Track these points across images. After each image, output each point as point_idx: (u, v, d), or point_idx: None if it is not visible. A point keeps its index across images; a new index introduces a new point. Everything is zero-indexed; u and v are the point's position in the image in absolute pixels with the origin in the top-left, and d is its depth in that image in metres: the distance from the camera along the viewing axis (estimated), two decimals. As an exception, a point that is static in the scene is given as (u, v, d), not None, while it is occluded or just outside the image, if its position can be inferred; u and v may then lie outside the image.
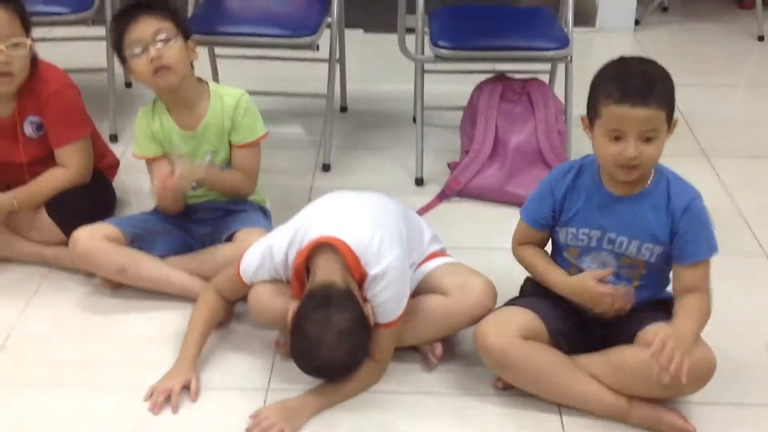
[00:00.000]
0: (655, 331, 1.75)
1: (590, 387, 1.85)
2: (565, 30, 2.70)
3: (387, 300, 1.88)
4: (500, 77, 2.70)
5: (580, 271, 1.91)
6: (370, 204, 2.03)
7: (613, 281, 1.87)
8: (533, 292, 1.99)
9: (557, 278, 1.92)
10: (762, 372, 1.99)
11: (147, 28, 2.09)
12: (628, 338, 1.85)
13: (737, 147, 2.97)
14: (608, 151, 1.77)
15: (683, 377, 1.67)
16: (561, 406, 1.89)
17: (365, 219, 1.94)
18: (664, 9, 4.18)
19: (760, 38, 3.89)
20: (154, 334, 2.10)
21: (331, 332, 1.79)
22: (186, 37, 2.16)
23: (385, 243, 1.89)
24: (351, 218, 1.95)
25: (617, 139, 1.75)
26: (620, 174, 1.79)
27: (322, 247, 1.86)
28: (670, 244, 1.83)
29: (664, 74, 1.78)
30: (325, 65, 2.86)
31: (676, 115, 1.79)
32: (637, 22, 4.02)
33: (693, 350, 1.71)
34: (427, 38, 2.72)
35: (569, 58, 2.61)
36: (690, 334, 1.73)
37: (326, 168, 2.82)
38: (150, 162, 2.25)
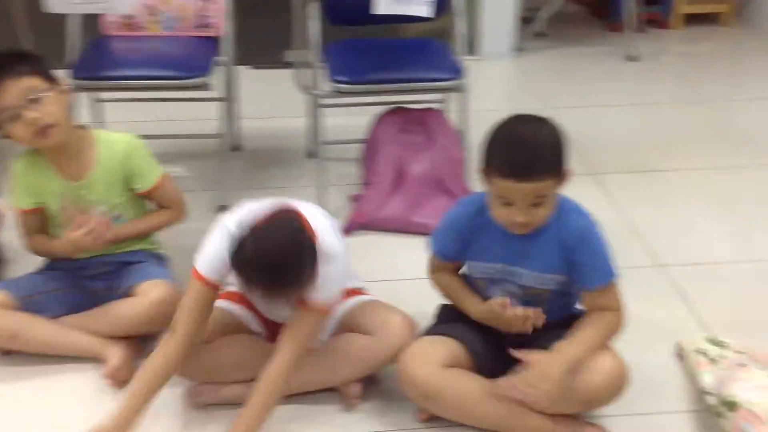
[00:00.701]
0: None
1: (516, 412, 1.88)
2: (457, 59, 2.77)
3: (330, 281, 1.82)
4: (398, 109, 2.75)
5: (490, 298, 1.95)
6: None
7: (520, 304, 1.91)
8: (449, 318, 2.02)
9: (471, 307, 1.96)
10: (670, 380, 2.08)
11: (13, 92, 1.97)
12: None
13: (622, 163, 3.12)
14: (501, 213, 1.81)
15: (542, 401, 1.77)
16: None
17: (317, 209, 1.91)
18: (542, 35, 4.35)
19: (631, 58, 4.11)
20: (57, 400, 2.01)
21: (283, 232, 1.69)
22: (56, 82, 2.05)
23: (338, 233, 1.89)
24: (304, 204, 1.89)
25: (508, 204, 1.79)
26: (513, 230, 1.84)
27: (281, 213, 1.76)
28: (571, 273, 1.89)
29: (555, 138, 1.79)
30: (211, 104, 2.84)
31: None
32: (518, 49, 4.18)
33: (564, 379, 1.77)
34: (320, 71, 2.75)
35: (465, 86, 2.68)
36: (564, 363, 1.78)
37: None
38: (25, 213, 2.16)
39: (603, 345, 1.86)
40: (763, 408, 1.78)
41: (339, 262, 1.83)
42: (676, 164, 3.15)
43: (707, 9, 4.55)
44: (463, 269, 2.02)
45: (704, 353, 2.04)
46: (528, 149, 1.75)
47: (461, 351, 1.93)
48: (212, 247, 1.84)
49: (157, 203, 2.23)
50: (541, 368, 1.79)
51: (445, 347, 1.92)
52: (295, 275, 1.71)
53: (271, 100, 3.56)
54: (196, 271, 1.86)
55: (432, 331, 2.00)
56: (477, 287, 1.98)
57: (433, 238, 2.01)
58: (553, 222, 1.85)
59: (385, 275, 2.44)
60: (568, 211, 1.87)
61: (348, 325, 2.01)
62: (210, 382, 2.00)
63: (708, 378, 1.96)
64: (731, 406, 1.81)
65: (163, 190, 2.21)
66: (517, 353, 1.83)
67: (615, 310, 1.89)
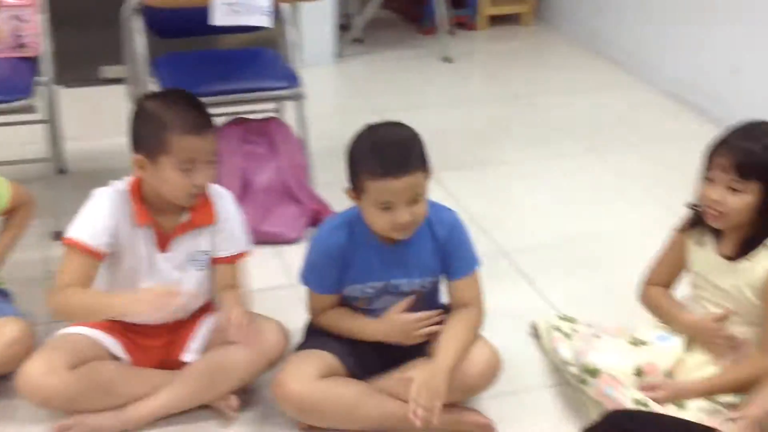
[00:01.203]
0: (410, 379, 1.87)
1: (395, 407, 1.93)
2: (291, 68, 2.79)
3: (238, 231, 2.00)
4: (238, 120, 2.73)
5: (370, 312, 1.99)
6: None
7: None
8: (318, 332, 2.02)
9: (368, 327, 1.96)
10: (530, 359, 2.21)
11: None
12: (423, 352, 1.96)
13: (453, 160, 3.26)
14: (382, 220, 1.84)
15: (435, 420, 1.82)
16: None
17: None
18: (359, 41, 4.45)
19: (446, 60, 4.29)
20: None
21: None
22: None
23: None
24: None
25: (387, 209, 1.82)
26: (397, 235, 1.88)
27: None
28: (443, 268, 1.97)
29: (414, 135, 1.87)
30: (30, 127, 2.70)
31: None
32: (339, 55, 4.24)
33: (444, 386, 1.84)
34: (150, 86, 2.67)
35: (302, 94, 2.70)
36: (445, 374, 1.85)
37: (58, 236, 2.64)
38: None
39: (472, 341, 1.94)
40: (622, 371, 1.93)
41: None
42: (504, 157, 3.33)
43: (509, 10, 4.83)
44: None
45: (558, 329, 2.18)
46: (396, 147, 1.81)
47: (334, 362, 1.95)
48: (94, 214, 1.87)
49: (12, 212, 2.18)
50: (428, 386, 1.83)
51: (319, 358, 1.94)
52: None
53: (91, 120, 3.41)
54: (78, 243, 1.85)
55: (303, 346, 2.01)
56: (356, 308, 2.00)
57: (309, 277, 1.98)
58: (423, 225, 1.91)
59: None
60: (433, 207, 1.94)
61: (220, 338, 1.98)
62: (77, 412, 1.90)
63: (566, 351, 2.09)
64: (593, 372, 1.95)
65: (18, 196, 2.18)
66: (398, 378, 1.90)
67: (477, 303, 1.98)
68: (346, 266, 1.94)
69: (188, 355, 1.98)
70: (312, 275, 1.97)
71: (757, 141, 1.86)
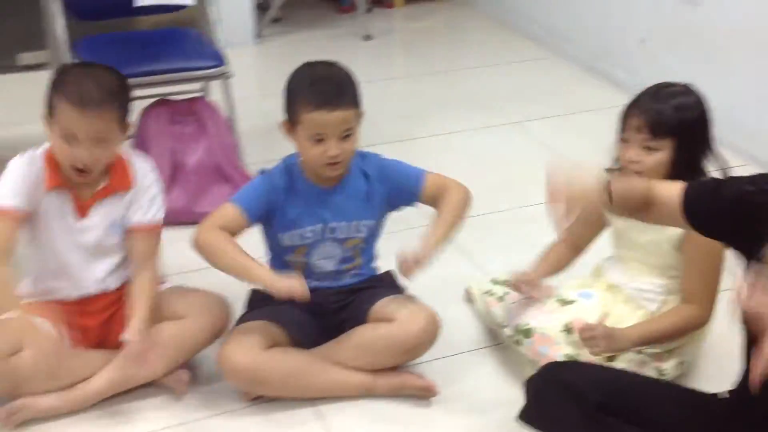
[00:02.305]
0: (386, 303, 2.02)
1: (338, 374, 2.02)
2: (216, 47, 2.81)
3: (158, 191, 2.04)
4: (163, 101, 2.74)
5: (309, 268, 2.06)
6: None
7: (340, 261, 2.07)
8: (260, 302, 2.08)
9: (254, 269, 1.95)
10: (465, 322, 2.32)
11: None
12: (362, 317, 2.05)
13: (380, 136, 3.30)
14: (313, 152, 1.94)
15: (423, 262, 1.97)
16: (316, 399, 2.02)
17: None
18: (277, 20, 4.47)
19: (366, 38, 4.35)
20: None
21: None
22: None
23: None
24: None
25: (319, 141, 1.93)
26: (326, 171, 1.98)
27: None
28: (391, 201, 2.08)
29: (348, 74, 1.99)
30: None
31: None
32: (259, 35, 4.26)
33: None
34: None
35: (229, 73, 2.73)
36: (434, 241, 2.01)
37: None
38: None
39: (461, 214, 2.09)
40: (554, 330, 2.05)
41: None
42: (428, 131, 3.42)
43: (424, -13, 4.91)
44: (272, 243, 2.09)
45: (491, 293, 2.28)
46: (331, 81, 1.93)
47: (278, 332, 2.01)
48: (7, 178, 1.90)
49: None
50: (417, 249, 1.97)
51: (263, 329, 2.00)
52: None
53: (10, 107, 3.36)
54: None
55: (245, 318, 2.06)
56: (287, 262, 2.06)
57: (239, 195, 2.04)
58: (353, 170, 2.03)
59: (178, 268, 2.44)
60: (359, 155, 2.05)
61: (161, 314, 2.01)
62: (22, 394, 1.92)
63: (500, 313, 2.20)
64: (527, 333, 2.06)
65: None
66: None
67: (451, 185, 2.11)
68: (284, 209, 2.01)
69: (127, 335, 2.01)
70: (243, 194, 2.04)
71: (666, 100, 1.98)
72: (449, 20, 4.75)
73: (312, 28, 4.49)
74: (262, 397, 2.01)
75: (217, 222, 1.98)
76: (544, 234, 2.67)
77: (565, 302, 2.12)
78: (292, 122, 1.97)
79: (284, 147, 2.06)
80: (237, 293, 2.13)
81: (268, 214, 2.03)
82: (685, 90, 2.01)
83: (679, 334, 2.03)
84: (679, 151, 1.97)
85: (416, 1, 4.90)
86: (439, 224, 2.06)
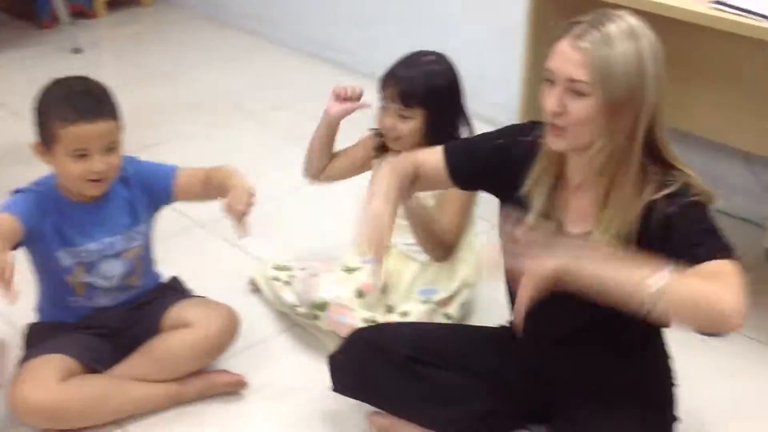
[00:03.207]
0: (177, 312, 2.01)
1: (142, 390, 1.97)
2: None
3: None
4: None
5: (92, 288, 1.98)
6: None
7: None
8: (43, 335, 1.98)
9: None
10: (257, 312, 2.34)
11: None
12: (155, 328, 2.02)
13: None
14: (76, 170, 1.86)
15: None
16: (125, 419, 1.96)
17: None
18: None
19: (75, 51, 4.17)
20: None
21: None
22: None
23: None
24: None
25: (81, 157, 1.85)
26: (88, 189, 1.91)
27: None
28: (151, 207, 2.05)
29: (103, 87, 1.92)
30: None
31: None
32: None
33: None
34: None
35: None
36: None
37: None
38: None
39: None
40: (347, 298, 2.14)
41: None
42: (163, 137, 3.37)
43: (125, -7, 4.79)
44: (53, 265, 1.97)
45: (277, 279, 2.33)
46: (88, 94, 1.87)
47: (70, 362, 1.92)
48: None
49: None
50: None
51: (54, 364, 1.90)
52: None
53: None
54: None
55: (29, 356, 1.94)
56: (68, 284, 1.97)
57: (4, 206, 1.88)
58: (114, 182, 1.97)
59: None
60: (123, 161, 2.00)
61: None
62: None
63: (289, 295, 2.25)
64: (322, 306, 2.14)
65: None
66: None
67: (205, 171, 2.08)
68: (54, 229, 1.91)
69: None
70: (7, 205, 1.87)
71: (417, 70, 2.13)
72: (158, 23, 4.67)
73: (15, 48, 4.21)
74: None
75: None
76: (305, 217, 2.79)
77: (351, 270, 2.22)
78: (47, 142, 1.87)
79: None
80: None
81: (40, 228, 1.90)
82: (437, 58, 2.16)
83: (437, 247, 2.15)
84: (431, 118, 2.13)
85: (119, 8, 4.76)
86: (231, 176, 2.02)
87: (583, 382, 1.77)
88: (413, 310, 2.14)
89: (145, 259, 2.07)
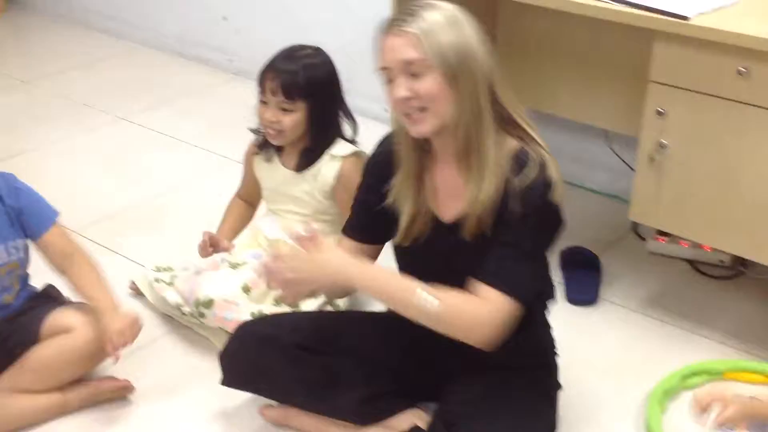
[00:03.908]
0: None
1: (24, 402, 1.94)
2: None
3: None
4: None
5: None
6: None
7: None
8: None
9: None
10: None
11: None
12: (33, 338, 1.98)
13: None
14: None
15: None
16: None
17: None
18: None
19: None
20: None
21: None
22: None
23: None
24: None
25: None
26: None
27: None
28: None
29: None
30: None
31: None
32: None
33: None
34: None
35: None
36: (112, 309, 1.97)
37: None
38: None
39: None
40: (232, 294, 2.15)
41: None
42: (31, 144, 3.29)
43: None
44: None
45: (158, 280, 2.31)
46: None
47: None
48: None
49: None
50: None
51: None
52: None
53: None
54: None
55: None
56: None
57: None
58: None
59: None
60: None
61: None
62: None
63: (173, 296, 2.24)
64: (207, 304, 2.14)
65: None
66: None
67: (77, 249, 2.05)
68: None
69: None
70: None
71: (297, 63, 2.17)
72: (14, 29, 4.52)
73: None
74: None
75: None
76: (176, 220, 2.78)
77: (237, 265, 2.23)
78: None
79: None
80: None
81: None
82: (315, 52, 2.20)
83: None
84: (313, 110, 2.17)
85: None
86: (101, 287, 2.02)
87: (468, 358, 1.84)
88: (307, 303, 2.17)
89: (21, 278, 2.02)
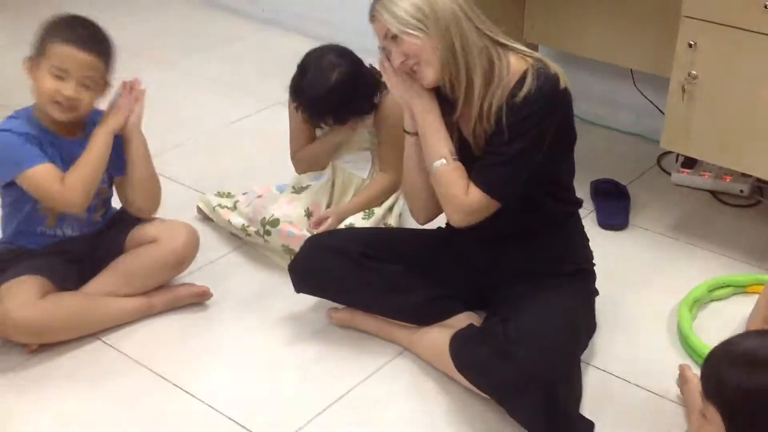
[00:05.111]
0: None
1: (115, 304, 2.15)
2: None
3: None
4: None
5: (62, 219, 2.14)
6: None
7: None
8: (11, 261, 2.12)
9: None
10: (207, 233, 2.47)
11: None
12: (120, 248, 2.21)
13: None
14: (48, 87, 1.98)
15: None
16: (100, 332, 2.14)
17: None
18: None
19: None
20: None
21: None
22: None
23: None
24: None
25: (59, 78, 1.97)
26: (53, 109, 2.01)
27: None
28: None
29: (110, 40, 2.06)
30: None
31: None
32: None
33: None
34: None
35: None
36: None
37: None
38: None
39: None
40: (297, 216, 2.37)
41: None
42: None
43: None
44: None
45: (222, 206, 2.52)
46: (91, 29, 2.03)
47: (44, 282, 2.07)
48: None
49: None
50: None
51: (30, 284, 2.05)
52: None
53: None
54: None
55: (4, 278, 2.07)
56: (42, 214, 2.13)
57: (21, 156, 1.99)
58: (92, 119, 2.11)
59: None
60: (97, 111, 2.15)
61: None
62: None
63: (238, 219, 2.45)
64: (274, 223, 2.35)
65: None
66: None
67: None
68: None
69: None
70: (21, 155, 2.00)
71: (322, 86, 2.31)
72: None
73: None
74: (42, 346, 2.07)
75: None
76: (236, 150, 2.98)
77: (301, 189, 2.45)
78: (36, 55, 2.01)
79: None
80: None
81: None
82: (337, 60, 2.33)
83: (383, 196, 2.48)
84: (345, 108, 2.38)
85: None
86: None
87: (515, 266, 2.06)
88: (357, 224, 2.38)
89: (107, 200, 2.24)
